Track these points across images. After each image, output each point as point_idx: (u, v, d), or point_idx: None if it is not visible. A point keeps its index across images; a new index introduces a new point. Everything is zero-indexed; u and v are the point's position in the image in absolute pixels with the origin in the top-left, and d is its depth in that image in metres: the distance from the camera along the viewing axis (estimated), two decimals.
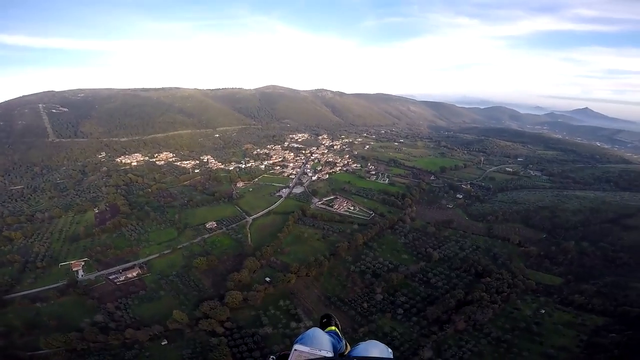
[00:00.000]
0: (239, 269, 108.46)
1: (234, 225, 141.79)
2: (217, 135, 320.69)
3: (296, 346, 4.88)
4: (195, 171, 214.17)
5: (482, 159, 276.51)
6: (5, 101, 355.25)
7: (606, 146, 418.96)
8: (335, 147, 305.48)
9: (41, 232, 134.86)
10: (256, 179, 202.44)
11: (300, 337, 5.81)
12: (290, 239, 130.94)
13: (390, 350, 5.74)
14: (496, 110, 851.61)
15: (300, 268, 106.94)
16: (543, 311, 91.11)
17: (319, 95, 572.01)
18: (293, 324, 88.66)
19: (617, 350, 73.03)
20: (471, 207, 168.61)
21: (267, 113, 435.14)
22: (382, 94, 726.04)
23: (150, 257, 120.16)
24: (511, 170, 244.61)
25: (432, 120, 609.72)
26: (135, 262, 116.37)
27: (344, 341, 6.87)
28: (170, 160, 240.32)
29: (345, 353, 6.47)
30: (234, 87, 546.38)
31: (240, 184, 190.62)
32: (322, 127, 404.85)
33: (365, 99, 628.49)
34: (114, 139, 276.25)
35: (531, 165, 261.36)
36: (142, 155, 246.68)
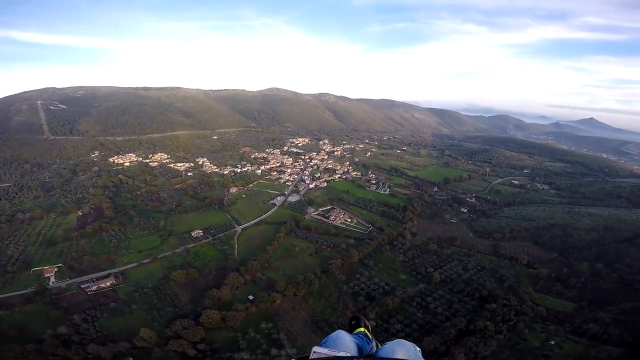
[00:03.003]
0: (220, 284, 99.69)
1: (221, 235, 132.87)
2: (216, 137, 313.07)
3: (315, 348, 4.65)
4: (189, 174, 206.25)
5: (488, 170, 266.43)
6: (5, 96, 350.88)
7: (613, 158, 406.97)
8: (336, 153, 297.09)
9: (19, 234, 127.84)
10: (251, 185, 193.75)
11: (323, 340, 5.70)
12: (280, 252, 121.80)
13: (418, 348, 5.48)
14: (501, 119, 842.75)
15: (287, 287, 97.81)
16: (553, 342, 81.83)
17: (322, 99, 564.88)
18: (274, 351, 79.64)
19: None
20: (476, 223, 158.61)
21: (268, 116, 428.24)
22: (386, 99, 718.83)
23: (128, 266, 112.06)
24: (518, 182, 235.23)
25: (436, 128, 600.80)
26: (111, 271, 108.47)
27: (374, 342, 6.53)
28: (164, 161, 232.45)
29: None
30: (236, 88, 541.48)
31: (233, 190, 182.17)
32: (323, 132, 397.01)
33: (369, 105, 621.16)
34: (109, 137, 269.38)
35: (538, 178, 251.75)
36: (136, 155, 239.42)
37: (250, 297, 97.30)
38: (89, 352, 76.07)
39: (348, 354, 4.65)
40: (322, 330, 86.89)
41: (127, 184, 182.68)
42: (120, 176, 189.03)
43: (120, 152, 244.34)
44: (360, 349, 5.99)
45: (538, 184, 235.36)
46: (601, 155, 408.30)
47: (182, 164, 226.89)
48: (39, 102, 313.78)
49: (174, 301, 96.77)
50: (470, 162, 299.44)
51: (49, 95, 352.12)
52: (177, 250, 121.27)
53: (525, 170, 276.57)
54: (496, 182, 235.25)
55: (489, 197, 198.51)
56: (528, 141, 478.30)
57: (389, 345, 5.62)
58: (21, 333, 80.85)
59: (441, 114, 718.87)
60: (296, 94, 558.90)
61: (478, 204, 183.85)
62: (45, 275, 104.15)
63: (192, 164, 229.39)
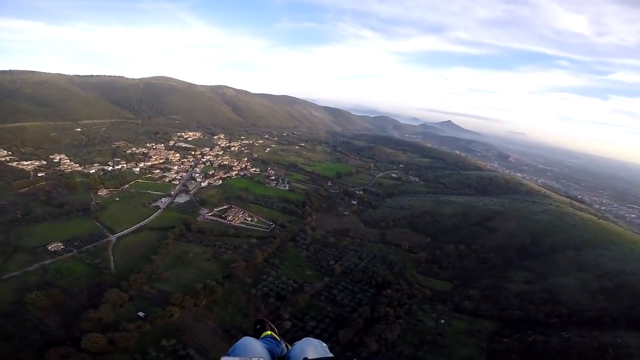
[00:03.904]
0: (98, 303, 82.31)
1: (89, 247, 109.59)
2: (79, 130, 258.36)
3: (223, 358, 4.48)
4: (39, 175, 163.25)
5: (372, 165, 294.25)
6: None
7: (463, 154, 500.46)
8: (233, 148, 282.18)
9: None
10: (127, 186, 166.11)
11: (230, 349, 5.47)
12: (170, 260, 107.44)
13: (325, 345, 5.81)
14: (382, 120, 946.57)
15: (184, 298, 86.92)
16: (442, 321, 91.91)
17: (219, 92, 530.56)
18: None
19: (514, 355, 77.47)
20: (364, 214, 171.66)
21: (152, 107, 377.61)
22: (288, 96, 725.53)
23: None
24: (395, 176, 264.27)
25: (330, 126, 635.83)
26: None
27: (283, 344, 6.52)
28: (4, 159, 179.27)
29: None
30: (112, 74, 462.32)
31: (103, 192, 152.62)
32: (219, 126, 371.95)
33: (270, 100, 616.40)
34: None
35: (411, 172, 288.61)
36: None
37: (141, 313, 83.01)
38: None
39: (262, 359, 4.58)
40: (235, 338, 79.81)
41: None
42: None
43: None
44: (271, 352, 5.85)
45: (411, 177, 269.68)
46: (455, 152, 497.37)
47: (29, 162, 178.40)
48: None
49: (38, 328, 75.97)
50: (357, 157, 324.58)
51: None
52: (29, 269, 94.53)
53: (400, 165, 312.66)
54: (378, 175, 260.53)
55: (373, 190, 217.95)
56: (402, 140, 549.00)
57: (298, 345, 5.79)
58: None
59: (334, 113, 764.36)
60: (188, 84, 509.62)
61: (365, 196, 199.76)
62: None
63: (45, 162, 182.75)
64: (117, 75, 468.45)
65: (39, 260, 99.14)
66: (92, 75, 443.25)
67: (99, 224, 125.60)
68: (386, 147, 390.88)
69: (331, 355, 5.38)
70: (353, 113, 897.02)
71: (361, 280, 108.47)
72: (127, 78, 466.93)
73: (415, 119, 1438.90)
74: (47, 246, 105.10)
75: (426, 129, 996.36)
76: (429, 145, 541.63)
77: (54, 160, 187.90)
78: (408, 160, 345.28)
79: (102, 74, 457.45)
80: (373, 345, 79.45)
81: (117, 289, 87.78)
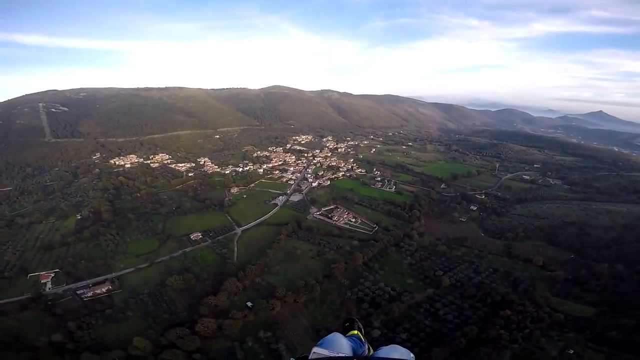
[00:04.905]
0: (218, 290, 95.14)
1: (220, 238, 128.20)
2: (218, 137, 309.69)
3: (315, 349, 5.00)
4: (189, 175, 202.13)
5: (497, 165, 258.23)
6: (7, 100, 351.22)
7: (625, 151, 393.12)
8: (339, 150, 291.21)
9: (17, 238, 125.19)
10: (252, 185, 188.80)
11: (320, 341, 5.80)
12: (281, 255, 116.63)
13: (412, 355, 5.63)
14: (508, 113, 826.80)
15: (287, 293, 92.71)
16: (572, 351, 74.47)
17: (324, 96, 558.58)
18: None
19: None
20: (487, 222, 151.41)
21: (271, 114, 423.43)
22: (391, 95, 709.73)
23: (125, 271, 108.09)
24: (529, 178, 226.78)
25: (441, 123, 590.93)
26: (107, 277, 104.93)
27: (366, 345, 6.74)
28: (166, 162, 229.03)
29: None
30: (238, 87, 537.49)
31: (234, 190, 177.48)
32: (327, 129, 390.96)
33: (373, 100, 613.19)
34: (110, 139, 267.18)
35: (549, 173, 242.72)
36: (138, 156, 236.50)
37: (249, 304, 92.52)
38: None
39: (349, 356, 4.85)
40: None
41: (127, 185, 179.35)
42: (120, 178, 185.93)
43: (122, 153, 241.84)
44: (354, 351, 6.06)
45: (550, 179, 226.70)
46: (612, 148, 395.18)
47: (183, 164, 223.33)
48: (40, 104, 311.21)
49: (170, 308, 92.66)
50: (478, 157, 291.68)
51: (50, 97, 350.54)
52: (174, 254, 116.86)
53: (535, 165, 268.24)
54: (506, 177, 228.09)
55: (499, 194, 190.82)
56: (537, 135, 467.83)
57: (384, 349, 5.74)
58: (16, 341, 77.46)
59: (447, 109, 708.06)
60: (299, 91, 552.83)
61: (488, 201, 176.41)
62: (42, 281, 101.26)
63: (193, 164, 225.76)
64: (241, 87, 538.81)
65: (182, 247, 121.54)
66: (223, 89, 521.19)
67: (229, 218, 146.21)
68: (515, 144, 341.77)
69: None
70: (469, 108, 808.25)
71: (474, 296, 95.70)
72: (250, 89, 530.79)
73: (550, 110, 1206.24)
74: (190, 235, 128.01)
75: (567, 121, 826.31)
76: (573, 140, 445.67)
77: (200, 163, 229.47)
78: (545, 159, 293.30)
79: (230, 87, 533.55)
80: None
81: (235, 278, 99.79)
